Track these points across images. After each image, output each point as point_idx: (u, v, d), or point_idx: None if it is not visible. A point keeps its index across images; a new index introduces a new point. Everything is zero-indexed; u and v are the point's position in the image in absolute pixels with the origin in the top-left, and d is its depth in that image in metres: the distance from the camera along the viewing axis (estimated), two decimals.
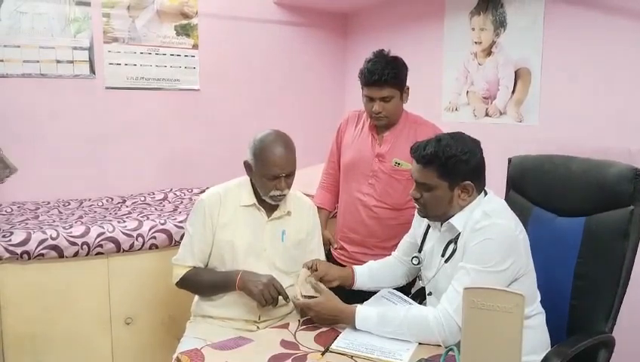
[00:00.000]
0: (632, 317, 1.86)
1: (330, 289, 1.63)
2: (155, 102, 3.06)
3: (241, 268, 1.72)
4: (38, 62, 2.69)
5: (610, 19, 2.16)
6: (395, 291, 1.68)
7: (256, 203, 1.77)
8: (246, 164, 1.76)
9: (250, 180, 1.79)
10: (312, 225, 1.90)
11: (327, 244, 2.29)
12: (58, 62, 2.74)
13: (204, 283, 1.77)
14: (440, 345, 1.38)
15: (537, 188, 1.78)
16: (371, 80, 1.98)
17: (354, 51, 3.70)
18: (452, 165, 1.45)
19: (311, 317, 1.54)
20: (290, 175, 1.72)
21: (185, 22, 3.10)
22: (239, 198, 1.78)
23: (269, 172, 1.67)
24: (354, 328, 1.47)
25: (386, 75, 1.95)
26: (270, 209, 1.79)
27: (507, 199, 1.78)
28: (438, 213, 1.53)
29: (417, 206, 1.57)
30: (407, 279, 1.84)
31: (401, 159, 2.03)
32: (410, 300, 1.66)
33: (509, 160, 1.89)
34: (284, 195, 1.74)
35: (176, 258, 1.79)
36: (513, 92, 2.59)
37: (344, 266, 1.92)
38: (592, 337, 1.47)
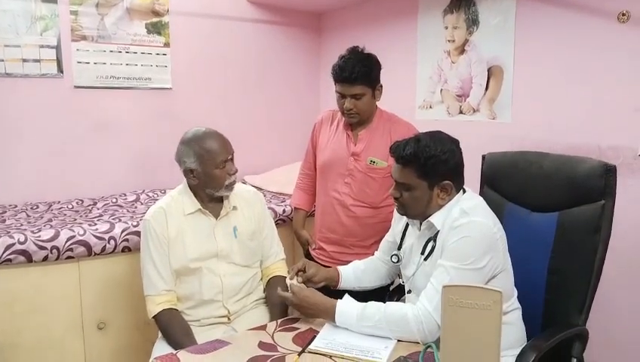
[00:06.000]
0: (604, 309, 1.90)
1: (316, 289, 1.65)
2: (125, 102, 2.99)
3: (203, 273, 1.75)
4: (2, 61, 2.60)
5: (581, 18, 2.21)
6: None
7: (201, 208, 1.78)
8: (187, 171, 1.74)
9: (190, 187, 1.79)
10: (261, 212, 1.93)
11: (305, 245, 2.28)
12: (24, 61, 2.65)
13: (171, 338, 1.69)
14: (419, 342, 1.38)
15: (511, 184, 1.80)
16: (342, 76, 1.97)
17: (328, 50, 3.69)
18: (431, 165, 1.45)
19: (291, 305, 1.54)
20: (233, 157, 1.78)
21: (156, 20, 3.04)
22: (182, 208, 1.77)
23: (219, 158, 1.72)
24: (332, 327, 1.47)
25: (356, 72, 1.94)
26: (216, 210, 1.80)
27: (481, 195, 1.79)
28: (417, 213, 1.54)
29: (397, 204, 1.57)
30: (392, 278, 1.85)
31: (375, 157, 2.03)
32: None
33: (483, 157, 1.91)
34: (236, 179, 1.78)
35: (147, 292, 1.74)
36: (486, 90, 2.62)
37: (324, 266, 1.91)
38: (566, 330, 1.50)
